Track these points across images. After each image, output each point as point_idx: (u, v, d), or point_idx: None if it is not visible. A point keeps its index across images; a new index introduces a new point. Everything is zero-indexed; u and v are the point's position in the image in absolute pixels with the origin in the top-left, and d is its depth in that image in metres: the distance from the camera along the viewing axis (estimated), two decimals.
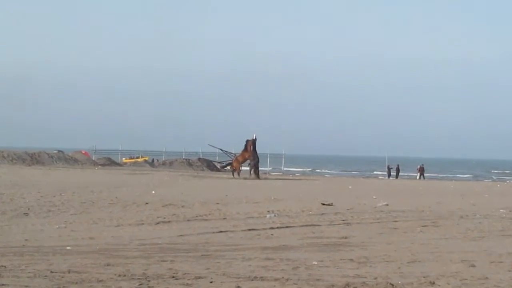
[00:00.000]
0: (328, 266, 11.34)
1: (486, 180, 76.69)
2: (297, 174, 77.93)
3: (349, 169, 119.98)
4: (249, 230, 18.24)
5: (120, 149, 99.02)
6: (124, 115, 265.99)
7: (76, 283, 9.55)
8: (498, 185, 49.43)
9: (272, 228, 18.68)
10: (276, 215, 21.62)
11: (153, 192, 30.76)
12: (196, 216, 21.58)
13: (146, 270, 10.70)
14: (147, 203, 25.26)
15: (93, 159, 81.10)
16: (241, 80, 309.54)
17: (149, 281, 9.75)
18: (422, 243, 14.96)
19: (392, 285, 9.66)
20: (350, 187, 40.38)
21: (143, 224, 20.05)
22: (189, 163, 77.40)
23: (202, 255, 12.90)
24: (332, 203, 24.74)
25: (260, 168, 53.99)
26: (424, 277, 10.26)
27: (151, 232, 18.23)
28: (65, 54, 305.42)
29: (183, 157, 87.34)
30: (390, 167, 71.38)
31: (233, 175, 52.92)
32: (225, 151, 60.68)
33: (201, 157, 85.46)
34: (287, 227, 18.92)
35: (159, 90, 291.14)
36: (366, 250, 13.67)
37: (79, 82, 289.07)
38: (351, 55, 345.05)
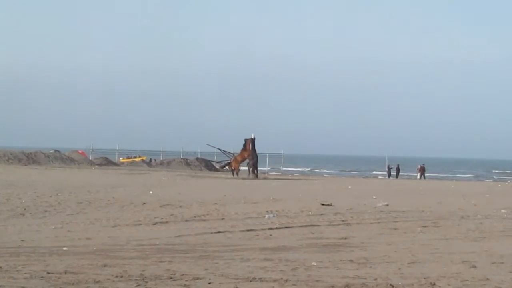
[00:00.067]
0: (327, 267, 11.32)
1: (487, 180, 76.75)
2: (296, 174, 77.90)
3: (348, 169, 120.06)
4: (248, 230, 18.19)
5: (117, 148, 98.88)
6: (122, 115, 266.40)
7: (73, 284, 9.54)
8: (499, 185, 49.39)
9: (271, 228, 18.62)
10: (275, 215, 21.56)
11: (151, 192, 30.67)
12: (194, 217, 21.52)
13: (143, 271, 10.68)
14: (144, 203, 25.19)
15: (90, 158, 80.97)
16: (241, 80, 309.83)
17: (146, 282, 9.74)
18: (423, 244, 14.92)
19: (392, 286, 9.65)
20: (349, 187, 40.32)
21: (140, 224, 19.98)
22: (187, 163, 77.31)
23: (200, 255, 12.87)
24: (331, 203, 24.68)
25: (258, 168, 53.91)
26: (424, 278, 10.25)
27: (149, 233, 18.17)
28: (65, 54, 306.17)
29: (181, 156, 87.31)
30: (390, 167, 71.35)
31: (233, 174, 52.88)
32: (224, 151, 60.66)
33: (199, 157, 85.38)
34: (286, 227, 18.86)
35: (159, 90, 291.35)
36: (366, 251, 13.64)
37: (78, 82, 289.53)
38: (351, 55, 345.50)
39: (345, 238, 16.20)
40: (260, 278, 10.06)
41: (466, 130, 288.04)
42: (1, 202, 25.17)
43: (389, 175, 70.55)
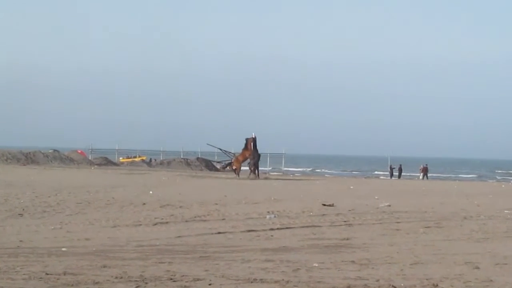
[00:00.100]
0: (329, 268, 11.32)
1: (490, 180, 76.69)
2: (297, 174, 77.89)
3: (350, 169, 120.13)
4: (249, 231, 18.13)
5: (116, 148, 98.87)
6: (122, 115, 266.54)
7: (72, 285, 9.57)
8: (503, 186, 49.32)
9: (272, 229, 18.56)
10: (276, 216, 21.49)
11: (151, 192, 30.60)
12: (195, 217, 21.46)
13: (143, 272, 10.69)
14: (144, 204, 25.12)
15: (89, 158, 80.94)
16: (241, 80, 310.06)
17: (146, 283, 9.76)
18: (425, 245, 14.88)
19: (395, 287, 9.67)
20: (351, 187, 40.24)
21: (140, 225, 19.92)
22: (187, 163, 77.21)
23: (200, 256, 12.86)
24: (333, 204, 24.61)
25: (260, 168, 53.84)
26: (427, 279, 10.28)
27: (149, 233, 18.11)
28: (64, 54, 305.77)
29: (181, 156, 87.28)
30: (392, 167, 71.28)
31: (235, 173, 52.82)
32: (224, 151, 60.58)
33: (199, 156, 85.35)
34: (287, 228, 18.80)
35: (159, 91, 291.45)
36: (368, 252, 13.62)
37: (78, 82, 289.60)
38: (351, 56, 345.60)
39: (347, 239, 16.16)
40: (261, 279, 10.06)
41: (468, 130, 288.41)
42: None
43: (392, 175, 70.47)
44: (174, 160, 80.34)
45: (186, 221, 20.70)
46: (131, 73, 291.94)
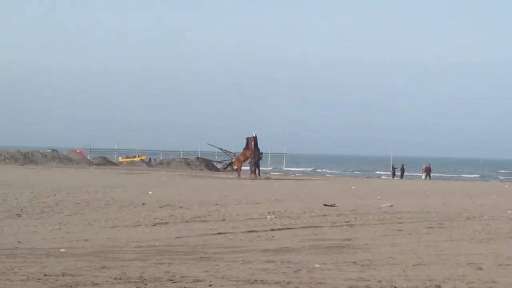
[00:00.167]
0: (330, 269, 11.31)
1: (493, 180, 76.64)
2: (298, 174, 77.92)
3: (351, 169, 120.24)
4: (249, 231, 18.10)
5: (116, 148, 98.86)
6: (122, 115, 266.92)
7: (71, 286, 9.58)
8: (506, 186, 49.26)
9: (272, 229, 18.52)
10: (277, 216, 21.45)
11: (150, 192, 30.55)
12: (195, 217, 21.41)
13: (142, 273, 10.69)
14: (144, 204, 25.08)
15: (88, 158, 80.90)
16: (241, 80, 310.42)
17: (146, 284, 9.77)
18: (428, 245, 14.83)
19: None
20: (353, 187, 40.19)
21: (139, 225, 19.88)
22: (187, 163, 77.14)
23: (200, 257, 12.84)
24: (334, 204, 24.55)
25: (260, 168, 53.76)
26: (429, 280, 10.28)
27: (148, 234, 18.08)
28: (64, 54, 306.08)
29: (181, 156, 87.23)
30: (394, 167, 71.24)
31: (237, 172, 52.75)
32: (225, 150, 60.54)
33: (199, 156, 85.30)
34: (288, 228, 18.76)
35: (159, 91, 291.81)
36: (370, 253, 13.60)
37: (78, 83, 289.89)
38: (351, 56, 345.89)
39: (349, 240, 16.13)
40: (262, 280, 10.05)
41: (468, 130, 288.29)
42: None
43: (394, 175, 70.44)
44: (174, 160, 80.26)
45: (186, 221, 20.66)
46: (131, 73, 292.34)
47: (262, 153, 53.16)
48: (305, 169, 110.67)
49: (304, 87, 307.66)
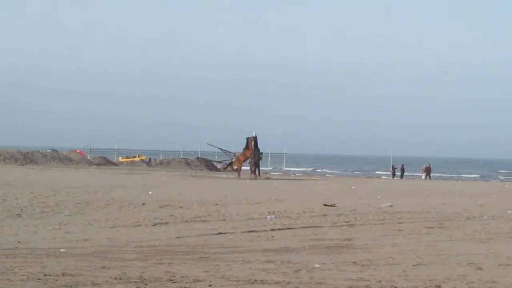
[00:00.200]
0: (330, 269, 11.30)
1: (493, 180, 76.58)
2: (298, 174, 77.90)
3: (351, 169, 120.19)
4: (249, 231, 18.09)
5: (116, 148, 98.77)
6: (122, 115, 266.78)
7: (71, 286, 9.58)
8: (506, 186, 49.24)
9: (272, 229, 18.51)
10: (277, 216, 21.43)
11: (150, 192, 30.54)
12: (195, 217, 21.40)
13: (142, 273, 10.69)
14: (143, 204, 25.07)
15: (88, 158, 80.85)
16: (241, 81, 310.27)
17: (146, 284, 9.76)
18: (428, 245, 14.82)
19: None
20: (353, 187, 40.17)
21: (139, 225, 19.87)
22: (187, 163, 77.10)
23: (200, 257, 12.83)
24: (334, 204, 24.54)
25: (260, 168, 53.74)
26: (429, 280, 10.27)
27: (148, 234, 18.07)
28: (64, 54, 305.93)
29: (181, 156, 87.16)
30: (394, 166, 71.19)
31: (237, 172, 52.72)
32: (225, 150, 60.50)
33: (199, 156, 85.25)
34: (288, 228, 18.76)
35: (159, 91, 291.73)
36: (370, 253, 13.59)
37: (78, 83, 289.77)
38: (351, 56, 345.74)
39: (349, 240, 16.12)
40: (262, 281, 10.04)
41: (468, 130, 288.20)
42: None
43: (394, 175, 70.39)
44: (174, 160, 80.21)
45: (186, 221, 20.64)
46: (131, 73, 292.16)
47: (262, 153, 53.12)
48: (305, 169, 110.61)
49: (304, 87, 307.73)
